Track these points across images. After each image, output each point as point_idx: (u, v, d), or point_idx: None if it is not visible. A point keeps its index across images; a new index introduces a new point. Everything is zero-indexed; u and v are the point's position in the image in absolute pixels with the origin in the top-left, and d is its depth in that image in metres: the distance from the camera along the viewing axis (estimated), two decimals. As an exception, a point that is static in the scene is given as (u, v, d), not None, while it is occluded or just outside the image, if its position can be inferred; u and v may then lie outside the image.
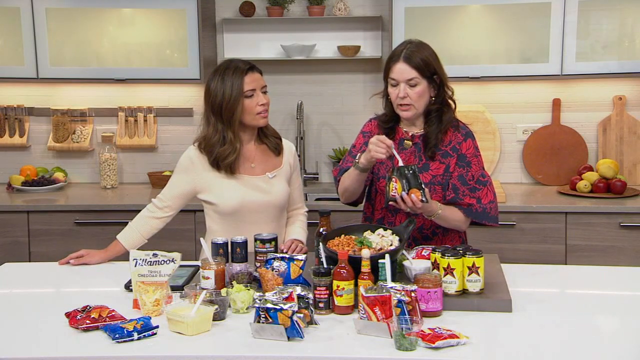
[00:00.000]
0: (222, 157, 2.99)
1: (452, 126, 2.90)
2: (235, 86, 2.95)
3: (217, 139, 3.00)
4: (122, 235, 3.09)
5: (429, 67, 2.82)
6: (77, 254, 3.07)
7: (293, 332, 2.21)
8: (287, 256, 2.62)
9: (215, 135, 3.00)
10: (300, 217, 3.22)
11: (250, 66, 3.00)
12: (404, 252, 2.61)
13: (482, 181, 2.89)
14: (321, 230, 2.75)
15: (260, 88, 3.00)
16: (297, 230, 3.15)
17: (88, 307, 2.40)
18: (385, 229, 2.68)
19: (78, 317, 2.35)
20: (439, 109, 2.88)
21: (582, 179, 4.32)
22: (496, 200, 2.92)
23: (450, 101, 2.91)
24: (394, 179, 2.66)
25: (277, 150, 3.13)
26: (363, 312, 2.28)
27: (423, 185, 2.65)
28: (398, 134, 2.95)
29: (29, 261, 4.14)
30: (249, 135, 3.08)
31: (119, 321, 2.30)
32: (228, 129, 2.99)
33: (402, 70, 2.81)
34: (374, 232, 2.67)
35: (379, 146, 2.71)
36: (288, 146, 3.19)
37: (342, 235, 2.70)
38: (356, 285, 2.41)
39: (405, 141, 2.93)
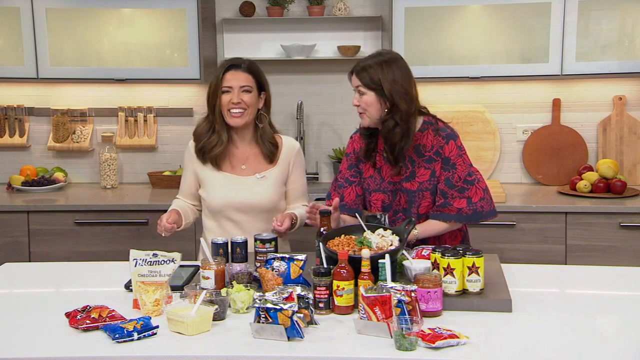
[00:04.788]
0: (208, 147, 3.05)
1: (432, 130, 2.91)
2: (216, 80, 3.03)
3: (206, 127, 3.07)
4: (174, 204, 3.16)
5: (374, 83, 2.83)
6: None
7: (293, 332, 2.21)
8: (287, 256, 2.63)
9: (206, 123, 3.08)
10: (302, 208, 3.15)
11: (234, 64, 3.04)
12: (404, 252, 2.61)
13: (469, 180, 2.89)
14: (321, 230, 2.75)
15: (238, 87, 3.01)
16: (298, 210, 3.10)
17: (88, 307, 2.40)
18: (385, 229, 2.68)
19: (78, 317, 2.35)
20: (393, 125, 2.86)
21: (582, 179, 4.31)
22: (488, 195, 2.92)
23: (403, 123, 2.84)
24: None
25: (270, 158, 3.10)
26: (363, 312, 2.28)
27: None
28: (381, 144, 2.97)
29: (29, 261, 4.13)
30: (240, 135, 3.08)
31: (119, 321, 2.30)
32: (214, 120, 3.05)
33: (353, 80, 2.90)
34: (374, 232, 2.67)
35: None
36: (290, 145, 3.16)
37: (342, 235, 2.70)
38: (356, 285, 2.41)
39: (385, 153, 2.95)
